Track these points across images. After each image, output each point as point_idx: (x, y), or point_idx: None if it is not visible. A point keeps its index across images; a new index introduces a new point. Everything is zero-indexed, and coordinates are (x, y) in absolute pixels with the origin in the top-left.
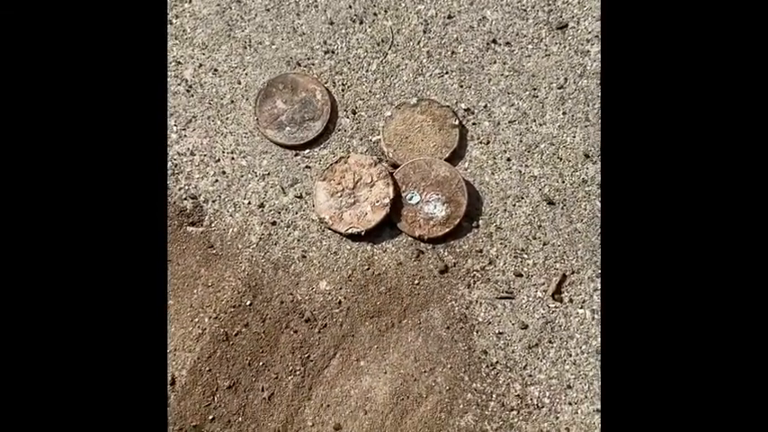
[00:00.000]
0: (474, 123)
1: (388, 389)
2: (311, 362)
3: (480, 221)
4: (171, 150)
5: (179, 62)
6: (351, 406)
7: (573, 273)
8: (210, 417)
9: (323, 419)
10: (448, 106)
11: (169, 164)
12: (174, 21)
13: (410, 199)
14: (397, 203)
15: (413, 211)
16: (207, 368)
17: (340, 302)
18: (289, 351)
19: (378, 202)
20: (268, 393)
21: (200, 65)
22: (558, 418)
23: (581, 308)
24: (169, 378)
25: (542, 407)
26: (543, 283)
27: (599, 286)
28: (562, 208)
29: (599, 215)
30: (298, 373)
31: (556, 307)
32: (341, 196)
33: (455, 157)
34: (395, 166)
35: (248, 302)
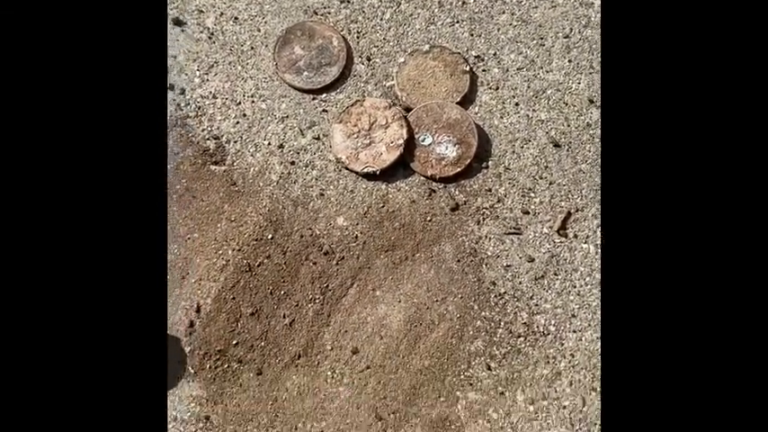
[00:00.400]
0: (484, 70)
1: (403, 316)
2: (330, 291)
3: (490, 162)
4: (194, 93)
5: (201, 11)
6: (367, 332)
7: (577, 210)
8: (234, 342)
9: (341, 344)
10: (459, 53)
11: (192, 106)
12: None
13: (423, 140)
14: (410, 144)
15: (425, 152)
16: (231, 296)
17: (356, 237)
18: (308, 281)
19: (392, 142)
20: (289, 320)
21: (222, 13)
22: (562, 344)
23: (585, 243)
24: (194, 306)
25: (548, 334)
26: (549, 220)
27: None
28: (567, 150)
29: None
30: (317, 301)
31: (561, 242)
32: (357, 137)
33: (466, 102)
34: (408, 109)
35: (270, 236)
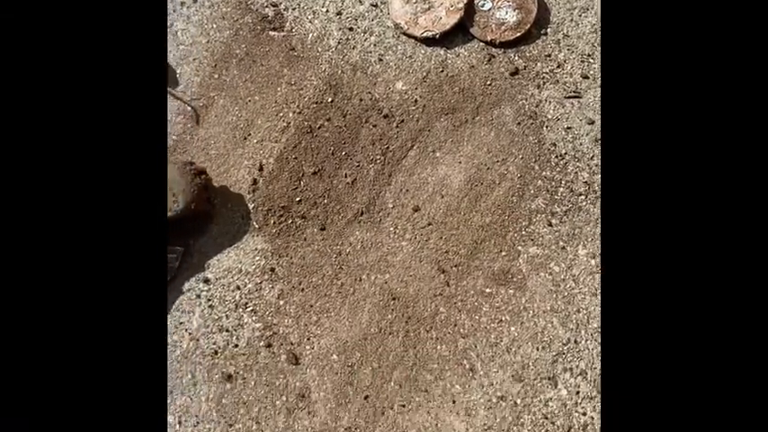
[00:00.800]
0: None
1: (463, 176)
2: (390, 152)
3: (549, 29)
4: None
5: None
6: (428, 191)
7: None
8: (297, 199)
9: (402, 202)
10: None
11: None
12: None
13: (482, 6)
14: (470, 9)
15: (485, 17)
16: (293, 156)
17: (416, 101)
18: (369, 143)
19: (452, 6)
20: (351, 179)
21: None
22: None
23: None
24: (257, 165)
25: None
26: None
27: None
28: None
29: None
30: (378, 161)
31: None
32: (416, 2)
33: None
34: None
35: (329, 99)
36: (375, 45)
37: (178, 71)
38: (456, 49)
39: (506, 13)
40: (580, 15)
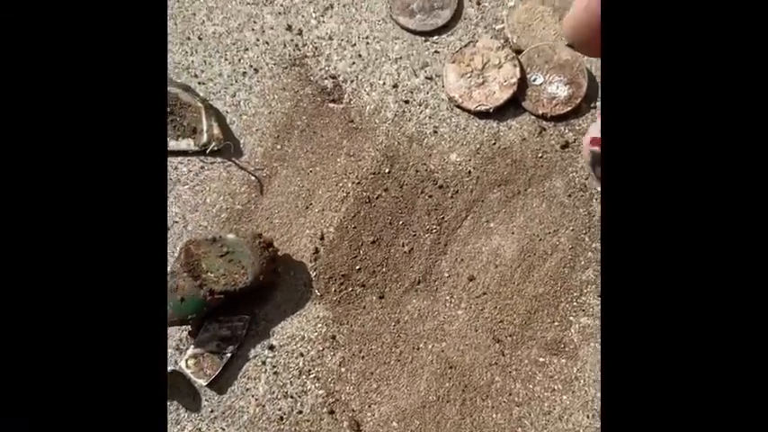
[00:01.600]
0: None
1: (516, 247)
2: (445, 222)
3: (598, 103)
4: (311, 35)
5: None
6: (482, 261)
7: None
8: (357, 267)
9: (458, 271)
10: None
11: (309, 47)
12: None
13: (534, 80)
14: (522, 84)
15: (536, 91)
16: (352, 226)
17: (470, 172)
18: (425, 213)
19: (505, 81)
20: (408, 248)
21: None
22: None
23: None
24: (319, 234)
25: None
26: None
27: None
28: None
29: None
30: (434, 231)
31: None
32: (470, 77)
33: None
34: (518, 51)
35: (387, 170)
36: (430, 117)
37: (242, 141)
38: (508, 121)
39: (557, 87)
40: None
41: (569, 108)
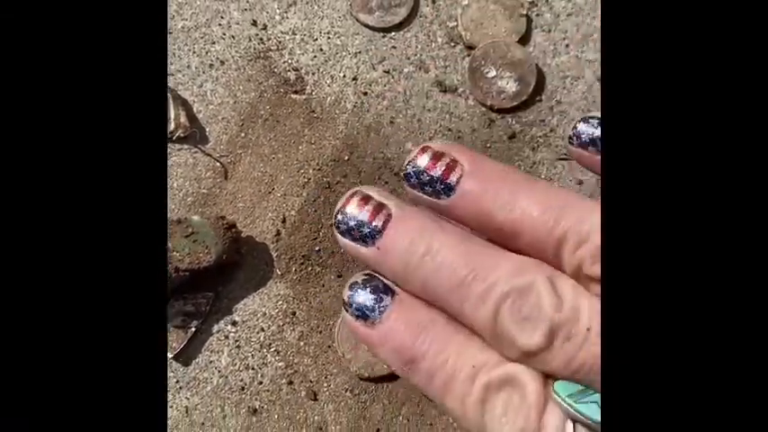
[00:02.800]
0: (537, 14)
1: None
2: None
3: (543, 96)
4: (275, 30)
5: None
6: None
7: None
8: (317, 248)
9: None
10: None
11: (273, 41)
12: None
13: (487, 73)
14: (475, 73)
15: (488, 83)
16: (313, 209)
17: None
18: None
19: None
20: None
21: None
22: None
23: None
24: (281, 217)
25: None
26: None
27: None
28: None
29: None
30: None
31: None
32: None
33: (522, 42)
34: (471, 47)
35: (346, 158)
36: (387, 109)
37: (208, 129)
38: (460, 113)
39: (507, 83)
40: (572, 83)
41: (515, 103)
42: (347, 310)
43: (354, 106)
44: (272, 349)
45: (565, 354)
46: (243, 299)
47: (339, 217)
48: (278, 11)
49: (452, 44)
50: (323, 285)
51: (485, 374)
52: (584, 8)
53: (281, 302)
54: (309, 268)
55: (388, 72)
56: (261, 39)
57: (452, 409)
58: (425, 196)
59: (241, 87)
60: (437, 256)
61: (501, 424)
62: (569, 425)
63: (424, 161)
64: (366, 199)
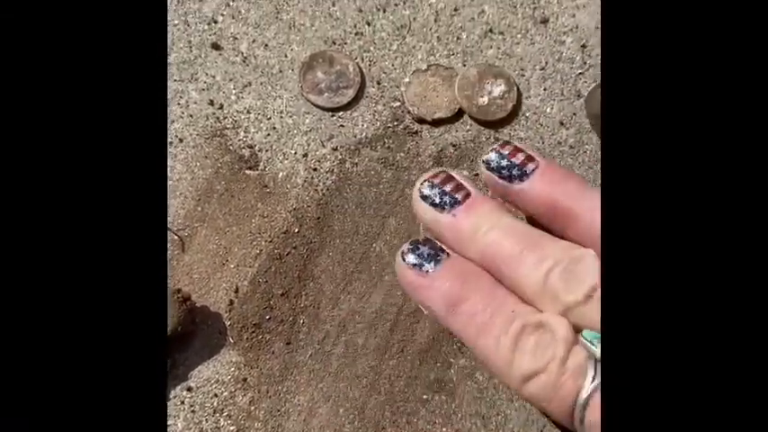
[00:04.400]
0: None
1: (403, 296)
2: (349, 275)
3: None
4: (231, 109)
5: (236, 38)
6: (373, 312)
7: None
8: (267, 317)
9: (354, 322)
10: (451, 67)
11: (229, 120)
12: (231, 3)
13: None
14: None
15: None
16: (264, 280)
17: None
18: (329, 267)
19: None
20: (311, 299)
21: (254, 40)
22: None
23: None
24: (233, 287)
25: None
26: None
27: None
28: None
29: (571, 170)
30: (340, 284)
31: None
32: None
33: (461, 113)
34: (420, 120)
35: (296, 230)
36: (335, 183)
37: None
38: (403, 186)
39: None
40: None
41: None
42: (403, 259)
43: (305, 181)
44: (225, 414)
45: (599, 310)
46: (198, 366)
47: (425, 189)
48: (234, 91)
49: (396, 122)
50: (273, 352)
51: (522, 318)
52: (518, 88)
53: (233, 369)
54: (260, 336)
55: (336, 149)
56: (217, 117)
57: (485, 347)
58: (501, 180)
59: (198, 164)
60: (501, 229)
61: (529, 357)
62: (591, 363)
63: (507, 150)
64: (450, 177)
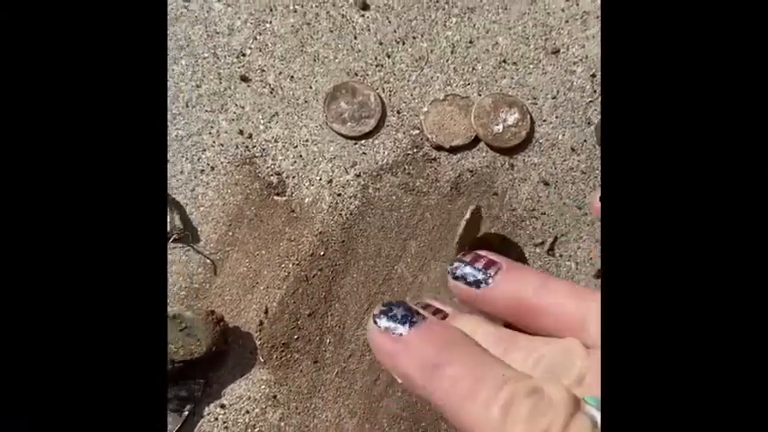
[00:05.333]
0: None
1: None
2: (373, 296)
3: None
4: (260, 138)
5: (263, 70)
6: None
7: (562, 235)
8: (295, 336)
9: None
10: (467, 96)
11: (258, 148)
12: (258, 37)
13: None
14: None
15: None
16: (292, 301)
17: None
18: (354, 288)
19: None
20: (337, 319)
21: (280, 72)
22: None
23: (568, 261)
24: (263, 308)
25: None
26: (541, 243)
27: (582, 245)
28: (554, 188)
29: (582, 194)
30: (364, 305)
31: (549, 259)
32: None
33: (477, 141)
34: (438, 147)
35: (321, 253)
36: (358, 208)
37: (199, 229)
38: (422, 212)
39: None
40: (518, 184)
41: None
42: (376, 323)
43: (330, 206)
44: (256, 430)
45: (597, 384)
46: (230, 384)
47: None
48: (262, 121)
49: (416, 150)
50: (301, 371)
51: (513, 383)
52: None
53: (263, 387)
54: (289, 355)
55: (359, 175)
56: (247, 146)
57: (470, 414)
58: (465, 286)
59: (229, 190)
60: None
61: (523, 426)
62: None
63: (468, 258)
64: (428, 305)
